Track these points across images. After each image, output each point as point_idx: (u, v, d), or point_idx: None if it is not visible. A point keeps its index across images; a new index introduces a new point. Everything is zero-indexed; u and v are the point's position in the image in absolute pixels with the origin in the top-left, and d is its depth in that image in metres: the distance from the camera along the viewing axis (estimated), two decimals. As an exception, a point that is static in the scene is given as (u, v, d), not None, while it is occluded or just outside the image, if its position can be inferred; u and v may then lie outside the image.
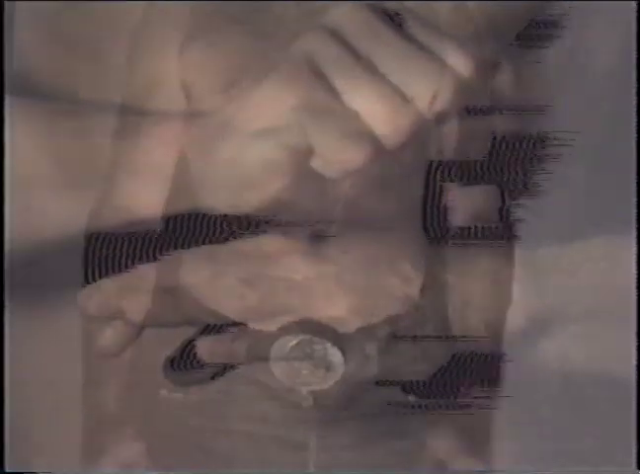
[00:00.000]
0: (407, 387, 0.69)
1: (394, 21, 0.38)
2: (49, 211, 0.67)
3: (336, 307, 0.66)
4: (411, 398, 0.69)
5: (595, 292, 0.80)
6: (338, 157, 0.37)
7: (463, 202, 0.72)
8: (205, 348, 0.67)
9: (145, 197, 0.68)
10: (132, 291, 0.45)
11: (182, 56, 0.70)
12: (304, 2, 0.71)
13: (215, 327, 0.67)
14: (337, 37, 0.37)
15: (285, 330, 0.66)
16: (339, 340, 0.66)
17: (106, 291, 0.45)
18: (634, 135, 0.78)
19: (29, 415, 0.80)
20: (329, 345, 0.65)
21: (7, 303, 0.65)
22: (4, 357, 0.69)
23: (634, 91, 0.77)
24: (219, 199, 0.47)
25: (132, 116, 0.69)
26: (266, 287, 0.66)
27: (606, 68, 0.83)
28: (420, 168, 0.72)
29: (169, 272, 0.53)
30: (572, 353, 0.86)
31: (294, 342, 0.65)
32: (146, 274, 0.49)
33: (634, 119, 0.77)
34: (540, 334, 0.76)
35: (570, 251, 0.77)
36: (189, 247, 0.60)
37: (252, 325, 0.67)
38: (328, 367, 0.65)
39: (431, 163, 0.71)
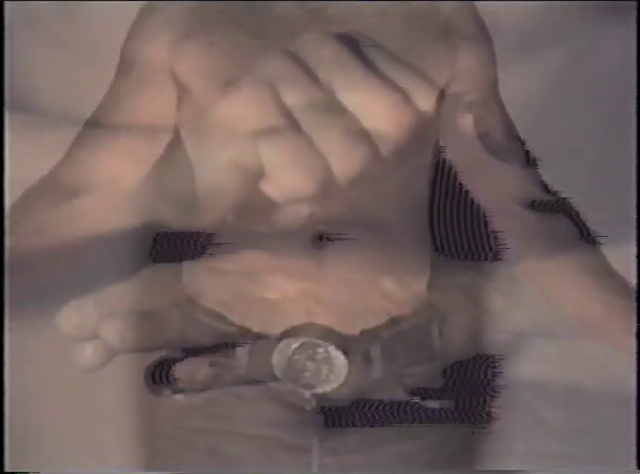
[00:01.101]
0: (411, 389, 0.69)
1: (359, 51, 0.38)
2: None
3: (319, 329, 0.66)
4: (415, 400, 0.68)
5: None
6: (287, 182, 0.36)
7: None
8: (183, 370, 0.66)
9: (95, 212, 0.67)
10: (110, 316, 0.45)
11: (179, 55, 0.70)
12: (304, 2, 0.71)
13: (192, 350, 0.66)
14: (300, 63, 0.37)
15: (288, 333, 0.66)
16: (342, 342, 0.66)
17: (84, 313, 0.44)
18: (634, 135, 0.78)
19: (29, 415, 0.80)
20: (332, 347, 0.65)
21: (7, 304, 0.65)
22: (4, 358, 0.68)
23: (634, 91, 0.77)
24: (172, 215, 0.47)
25: (94, 128, 0.68)
26: (244, 308, 0.66)
27: (607, 69, 0.83)
28: (419, 167, 0.72)
29: (147, 295, 0.52)
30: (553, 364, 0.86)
31: (297, 344, 0.65)
32: (126, 295, 0.48)
33: (634, 120, 0.77)
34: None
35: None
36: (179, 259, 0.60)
37: (255, 328, 0.67)
38: (331, 370, 0.65)
39: (437, 163, 0.70)
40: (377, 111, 0.36)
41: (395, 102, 0.36)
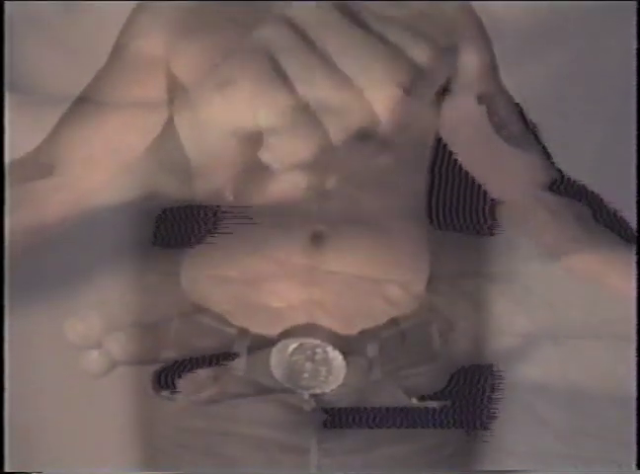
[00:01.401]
0: (410, 390, 0.69)
1: (353, 14, 0.38)
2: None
3: (318, 329, 0.66)
4: (414, 401, 0.68)
5: (584, 308, 0.79)
6: (286, 147, 0.36)
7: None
8: (186, 381, 0.66)
9: (95, 182, 0.67)
10: (114, 328, 0.45)
11: (177, 54, 0.70)
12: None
13: (194, 359, 0.66)
14: (295, 27, 0.37)
15: (287, 333, 0.65)
16: (340, 343, 0.65)
17: (90, 324, 0.45)
18: (634, 135, 0.78)
19: (29, 416, 0.80)
20: (330, 348, 0.65)
21: (7, 304, 0.65)
22: (4, 358, 0.68)
23: (634, 91, 0.77)
24: (172, 187, 0.47)
25: (77, 109, 0.68)
26: (247, 316, 0.66)
27: (607, 69, 0.83)
28: (418, 165, 0.72)
29: (150, 306, 0.53)
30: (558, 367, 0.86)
31: (295, 345, 0.65)
32: (130, 305, 0.49)
33: (634, 120, 0.77)
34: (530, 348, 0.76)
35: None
36: (183, 242, 0.59)
37: (253, 329, 0.67)
38: (329, 370, 0.65)
39: (437, 145, 0.70)
40: (372, 69, 0.36)
41: (390, 58, 0.36)
